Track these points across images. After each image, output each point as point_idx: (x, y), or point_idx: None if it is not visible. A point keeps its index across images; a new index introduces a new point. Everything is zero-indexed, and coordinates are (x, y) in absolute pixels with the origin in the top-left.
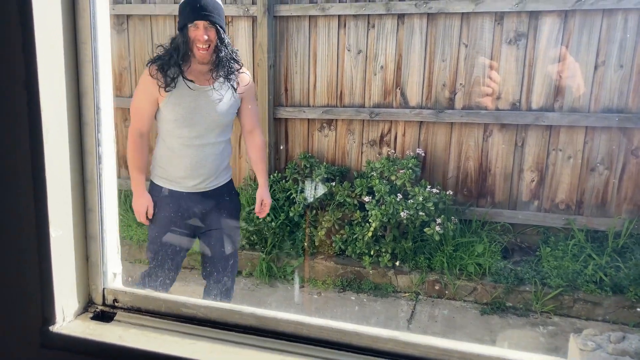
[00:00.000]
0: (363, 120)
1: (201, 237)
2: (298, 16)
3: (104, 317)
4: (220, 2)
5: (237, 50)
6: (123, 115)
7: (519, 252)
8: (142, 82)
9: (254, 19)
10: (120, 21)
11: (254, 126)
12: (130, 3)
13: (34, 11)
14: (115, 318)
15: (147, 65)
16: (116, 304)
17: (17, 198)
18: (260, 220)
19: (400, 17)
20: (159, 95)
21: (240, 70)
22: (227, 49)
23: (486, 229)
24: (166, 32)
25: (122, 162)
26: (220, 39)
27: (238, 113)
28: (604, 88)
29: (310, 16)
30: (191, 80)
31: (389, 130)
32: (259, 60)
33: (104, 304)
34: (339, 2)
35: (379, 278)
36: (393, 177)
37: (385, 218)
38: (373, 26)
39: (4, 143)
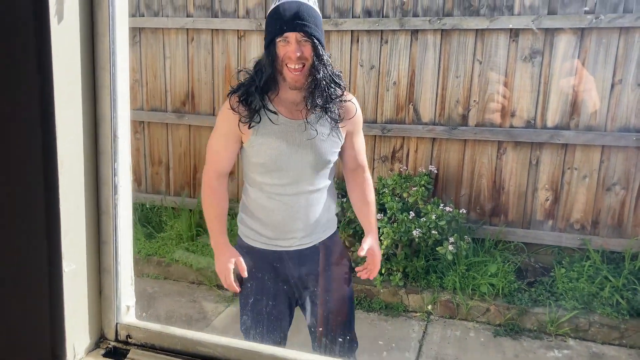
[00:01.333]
0: (375, 135)
1: (304, 306)
2: None
3: (116, 353)
4: (318, 11)
5: (340, 72)
6: (133, 127)
7: (532, 273)
8: (220, 116)
9: None
10: (133, 34)
11: (359, 164)
12: (143, 16)
13: (52, 36)
14: (128, 355)
15: (228, 95)
16: (129, 339)
17: (29, 231)
18: None
19: (414, 32)
20: (241, 133)
21: (345, 98)
22: (326, 69)
23: (499, 248)
24: (179, 45)
25: (132, 175)
26: (318, 56)
27: (342, 147)
28: (620, 107)
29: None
30: (277, 112)
31: (401, 147)
32: None
33: (116, 340)
34: (352, 17)
35: (390, 297)
36: (405, 194)
37: (397, 236)
38: (386, 42)
39: (16, 173)
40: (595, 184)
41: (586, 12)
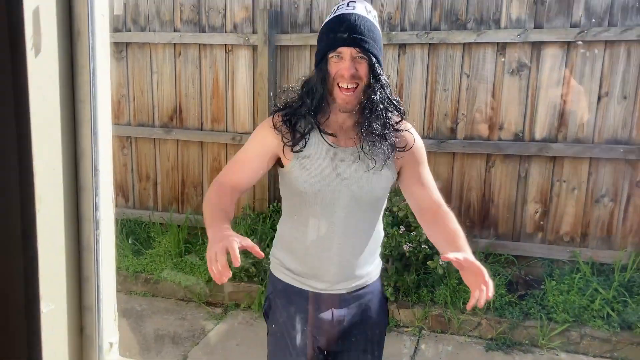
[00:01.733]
0: None
1: (333, 355)
2: (299, 45)
3: None
4: (378, 26)
5: (398, 98)
6: (120, 143)
7: (523, 286)
8: (259, 132)
9: (254, 48)
10: (120, 49)
11: (434, 201)
12: (130, 31)
13: (29, 71)
14: None
15: (271, 113)
16: None
17: (4, 272)
18: None
19: (402, 47)
20: (283, 156)
21: (402, 127)
22: (383, 91)
23: (490, 261)
24: (166, 60)
25: (118, 191)
26: (375, 76)
27: (404, 185)
28: (607, 119)
29: (310, 45)
30: (324, 138)
31: None
32: (260, 89)
33: None
34: None
35: None
36: (395, 209)
37: (387, 250)
38: None
39: None
40: (584, 196)
41: (572, 26)
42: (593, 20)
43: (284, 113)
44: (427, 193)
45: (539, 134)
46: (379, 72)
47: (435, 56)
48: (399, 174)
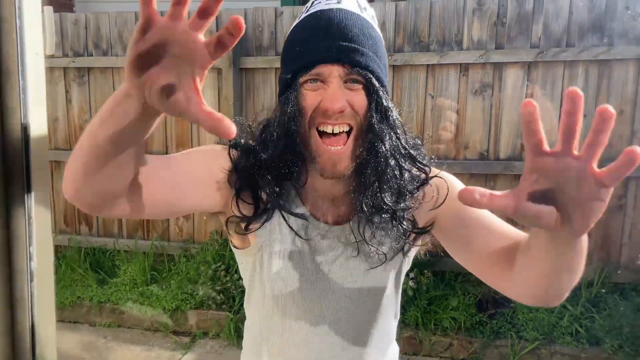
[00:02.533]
0: None
1: None
2: (264, 68)
3: None
4: (377, 29)
5: (419, 140)
6: None
7: (493, 304)
8: (213, 152)
9: (219, 71)
10: (81, 74)
11: (518, 236)
12: (92, 55)
13: None
14: None
15: (229, 146)
16: None
17: None
18: (227, 278)
19: None
20: (232, 229)
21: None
22: (394, 135)
23: (460, 281)
24: None
25: (81, 218)
26: (380, 111)
27: (456, 249)
28: None
29: (276, 68)
30: (304, 216)
31: None
32: (225, 112)
33: None
34: None
35: None
36: None
37: None
38: None
39: None
40: None
41: (532, 47)
42: (552, 41)
43: (241, 165)
44: (494, 237)
45: (503, 153)
46: (385, 103)
47: (400, 78)
48: (431, 229)
